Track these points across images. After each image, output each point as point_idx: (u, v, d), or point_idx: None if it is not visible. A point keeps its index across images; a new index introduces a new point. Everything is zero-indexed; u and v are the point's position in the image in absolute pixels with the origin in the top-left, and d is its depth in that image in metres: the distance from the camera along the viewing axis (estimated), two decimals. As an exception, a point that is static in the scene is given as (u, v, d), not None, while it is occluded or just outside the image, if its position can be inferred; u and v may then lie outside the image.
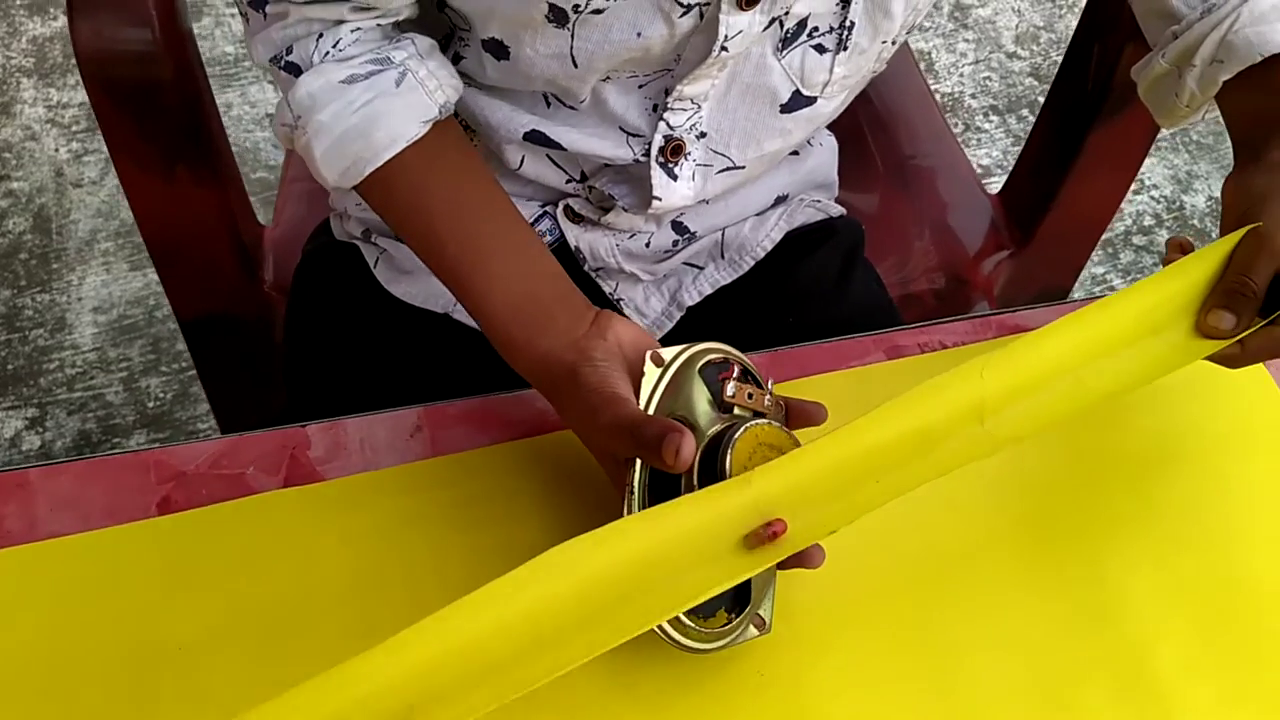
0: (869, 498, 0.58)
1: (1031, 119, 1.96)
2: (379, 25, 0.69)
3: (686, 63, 0.69)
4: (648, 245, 0.82)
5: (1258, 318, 0.64)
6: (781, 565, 0.60)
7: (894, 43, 0.73)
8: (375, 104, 0.67)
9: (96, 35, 0.78)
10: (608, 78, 0.71)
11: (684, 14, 0.64)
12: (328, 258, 0.87)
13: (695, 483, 0.59)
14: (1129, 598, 0.67)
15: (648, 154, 0.74)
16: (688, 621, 0.58)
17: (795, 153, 0.86)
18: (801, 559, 0.59)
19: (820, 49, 0.71)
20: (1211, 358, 0.65)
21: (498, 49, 0.70)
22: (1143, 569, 0.68)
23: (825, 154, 0.90)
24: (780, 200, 0.87)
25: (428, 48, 0.70)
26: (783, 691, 0.62)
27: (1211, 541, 0.70)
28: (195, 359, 1.03)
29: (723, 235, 0.85)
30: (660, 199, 0.75)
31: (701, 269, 0.85)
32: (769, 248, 0.84)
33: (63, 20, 2.02)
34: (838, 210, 0.89)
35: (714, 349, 0.64)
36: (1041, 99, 1.99)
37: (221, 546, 0.66)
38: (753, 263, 0.84)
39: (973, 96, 2.00)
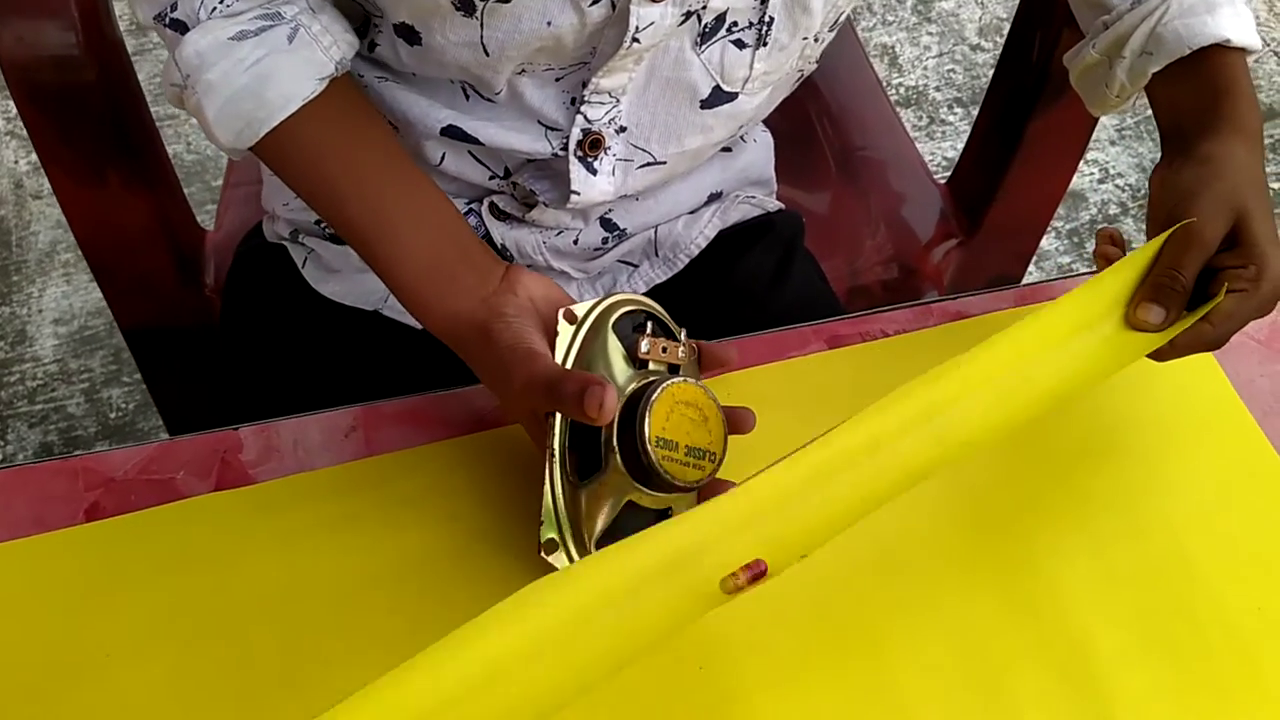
0: (828, 518, 0.57)
1: (995, 110, 1.96)
2: None
3: (602, 55, 0.68)
4: (575, 242, 0.82)
5: (1185, 312, 0.65)
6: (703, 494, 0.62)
7: (817, 39, 0.73)
8: (266, 61, 0.65)
9: (19, 40, 0.78)
10: (523, 70, 0.70)
11: (594, 3, 0.64)
12: (259, 259, 0.87)
13: (615, 443, 0.61)
14: (1065, 588, 0.67)
15: (565, 148, 0.73)
16: None
17: (728, 149, 0.85)
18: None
19: (740, 44, 0.70)
20: (1148, 356, 0.66)
21: (409, 34, 0.69)
22: (1079, 559, 0.68)
23: (760, 150, 0.89)
24: (714, 198, 0.86)
25: (319, 2, 0.68)
26: (722, 685, 0.62)
27: (1150, 531, 0.69)
28: (141, 368, 1.02)
29: (655, 233, 0.84)
30: (579, 193, 0.75)
31: (636, 267, 0.84)
32: (703, 245, 0.84)
33: (21, 32, 2.01)
34: (775, 205, 0.88)
35: (627, 300, 0.64)
36: (1005, 90, 1.99)
37: (150, 552, 0.65)
38: (687, 260, 0.84)
39: (937, 89, 2.00)
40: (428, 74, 0.72)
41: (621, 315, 0.64)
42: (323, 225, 0.82)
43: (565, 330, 0.62)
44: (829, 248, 0.97)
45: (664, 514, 0.63)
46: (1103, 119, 1.73)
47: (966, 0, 2.13)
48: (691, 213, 0.85)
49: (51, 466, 0.69)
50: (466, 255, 0.67)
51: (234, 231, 0.98)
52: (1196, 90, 0.68)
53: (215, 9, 0.65)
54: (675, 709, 0.61)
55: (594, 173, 0.74)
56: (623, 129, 0.73)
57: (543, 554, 0.60)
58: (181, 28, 0.66)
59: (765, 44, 0.70)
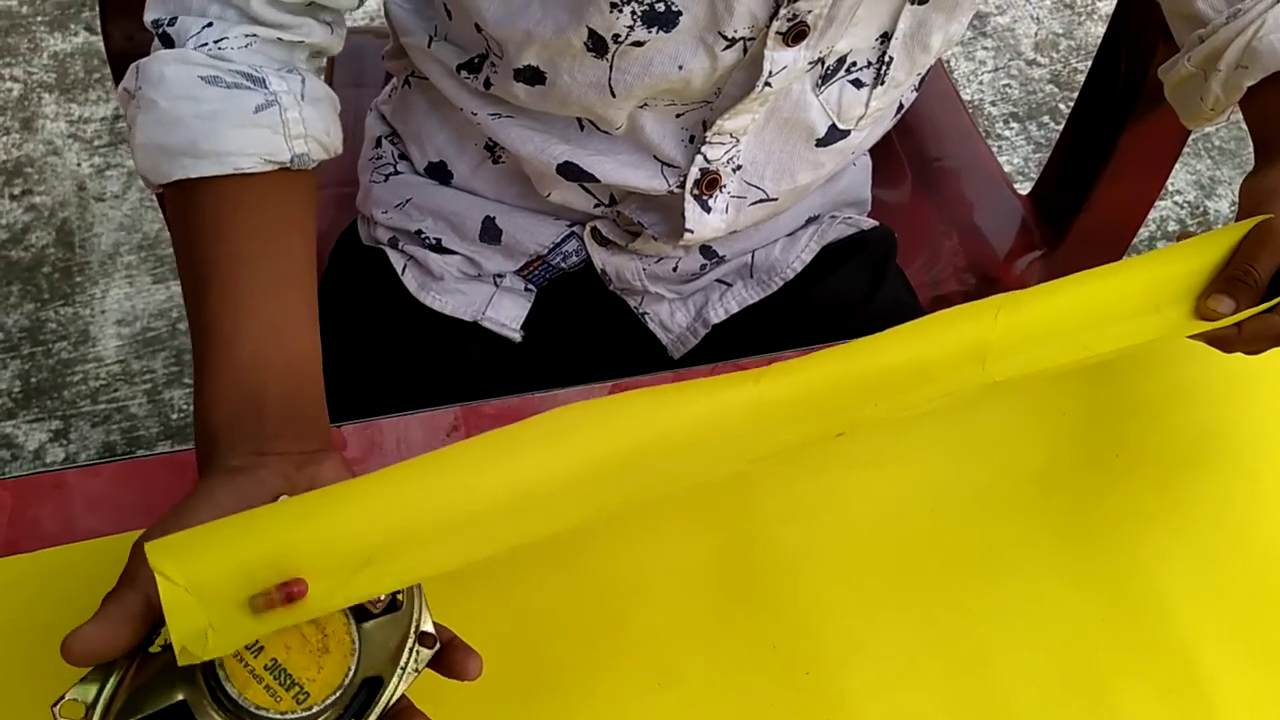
0: (865, 417, 0.58)
1: (1053, 125, 1.96)
2: (281, 41, 0.62)
3: (727, 96, 0.69)
4: (675, 269, 0.82)
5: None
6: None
7: (921, 75, 0.74)
8: (217, 119, 0.59)
9: (128, 39, 0.78)
10: (645, 104, 0.70)
11: (727, 47, 0.64)
12: (355, 262, 0.87)
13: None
14: (1169, 597, 0.66)
15: (683, 185, 0.73)
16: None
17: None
18: (454, 669, 0.52)
19: (858, 84, 0.71)
20: (1209, 340, 0.65)
21: (533, 76, 0.68)
22: (1181, 569, 0.67)
23: (859, 173, 0.89)
24: (811, 220, 0.86)
25: (317, 93, 0.63)
26: (828, 690, 0.62)
27: (1253, 542, 0.69)
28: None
29: (752, 257, 0.84)
30: (692, 231, 0.75)
31: (730, 286, 0.85)
32: (799, 269, 0.84)
33: (84, 36, 2.04)
34: (870, 223, 0.88)
35: None
36: (1063, 106, 1.98)
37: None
38: (782, 283, 0.84)
39: (993, 104, 2.00)
40: (548, 110, 0.72)
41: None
42: (422, 235, 0.82)
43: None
44: (906, 257, 0.97)
45: None
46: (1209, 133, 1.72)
47: (1022, 15, 2.13)
48: (789, 235, 0.85)
49: (158, 460, 0.69)
50: (293, 402, 0.57)
51: (319, 234, 0.99)
52: None
53: (206, 44, 0.61)
54: (783, 710, 0.61)
55: (708, 210, 0.75)
56: (739, 167, 0.74)
57: (54, 710, 0.47)
58: (169, 43, 0.62)
59: (882, 83, 0.70)
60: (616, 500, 0.53)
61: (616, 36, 0.63)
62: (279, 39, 0.62)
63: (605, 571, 0.65)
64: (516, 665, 0.61)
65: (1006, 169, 1.92)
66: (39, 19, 2.07)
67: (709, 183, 0.73)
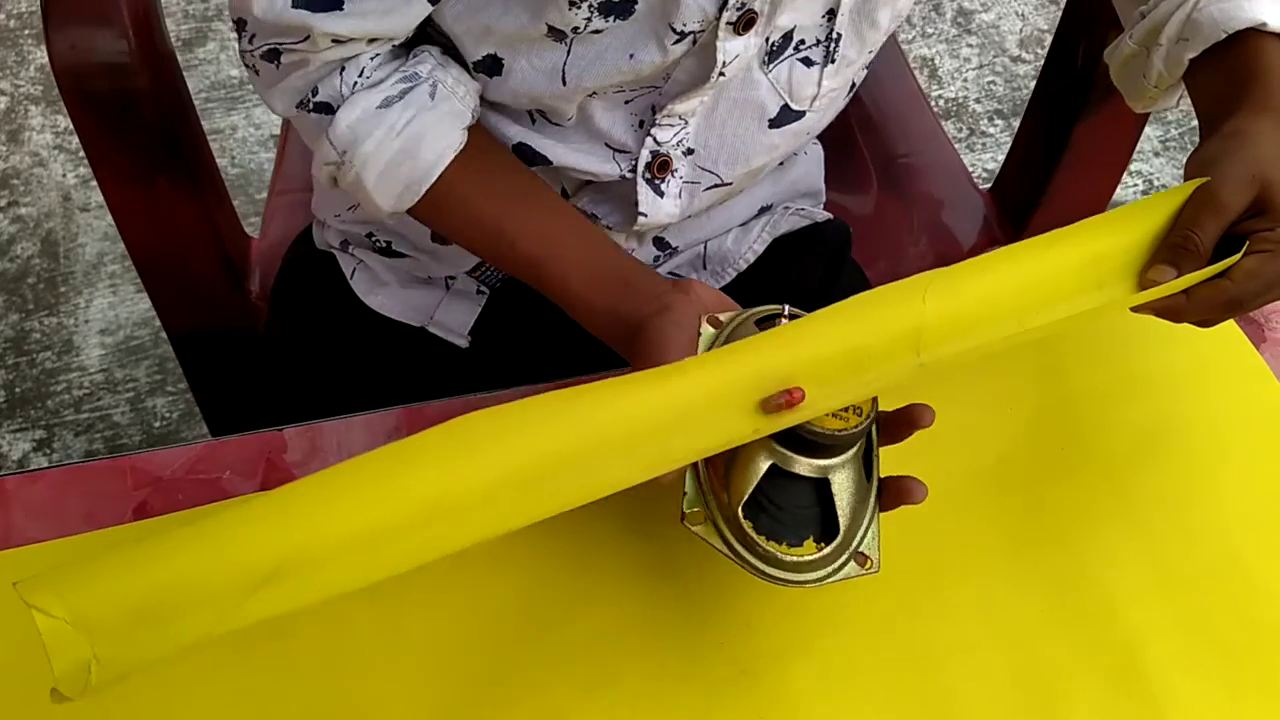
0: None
1: (1037, 122, 1.95)
2: (393, 45, 0.68)
3: (676, 83, 0.69)
4: None
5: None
6: (884, 507, 0.59)
7: (873, 52, 0.73)
8: (415, 122, 0.66)
9: (72, 48, 0.79)
10: (594, 94, 0.70)
11: (677, 41, 0.64)
12: (307, 266, 0.87)
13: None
14: (1117, 594, 0.66)
15: (634, 170, 0.73)
16: (773, 549, 0.57)
17: (779, 163, 0.85)
18: (901, 494, 0.59)
19: (807, 62, 0.70)
20: (1158, 311, 0.63)
21: (493, 66, 0.69)
22: (1130, 564, 0.67)
23: (810, 163, 0.89)
24: (764, 210, 0.86)
25: (442, 55, 0.69)
26: (767, 689, 0.61)
27: (1202, 535, 0.68)
28: (187, 372, 1.03)
29: (705, 248, 0.84)
30: (646, 215, 0.75)
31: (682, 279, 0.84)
32: (751, 260, 0.84)
33: (70, 48, 2.04)
34: (823, 215, 0.88)
35: (773, 308, 0.62)
36: (1046, 102, 1.98)
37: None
38: (735, 274, 0.84)
39: (977, 101, 2.00)
40: (500, 100, 0.72)
41: (765, 318, 0.61)
42: (373, 238, 0.82)
43: (708, 333, 0.61)
44: (871, 255, 0.97)
45: (822, 483, 0.58)
46: (1147, 130, 1.71)
47: (1007, 12, 2.12)
48: (741, 225, 0.85)
49: (102, 465, 0.69)
50: (637, 266, 0.68)
51: (280, 239, 0.99)
52: (1230, 74, 0.67)
53: (356, 84, 0.66)
54: (725, 710, 0.61)
55: (661, 195, 0.75)
56: (690, 151, 0.74)
57: (686, 524, 0.58)
58: (327, 109, 0.67)
59: (833, 61, 0.70)
60: (537, 508, 0.53)
61: (575, 29, 0.64)
62: (391, 45, 0.68)
63: (545, 572, 0.65)
64: (456, 666, 0.61)
65: (991, 166, 1.91)
66: (26, 32, 2.08)
67: (660, 165, 0.73)
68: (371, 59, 0.66)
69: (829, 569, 0.58)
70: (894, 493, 0.59)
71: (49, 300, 1.72)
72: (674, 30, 0.64)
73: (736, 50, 0.66)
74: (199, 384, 1.04)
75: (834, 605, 0.64)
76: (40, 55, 2.04)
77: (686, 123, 0.72)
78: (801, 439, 0.56)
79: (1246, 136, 0.62)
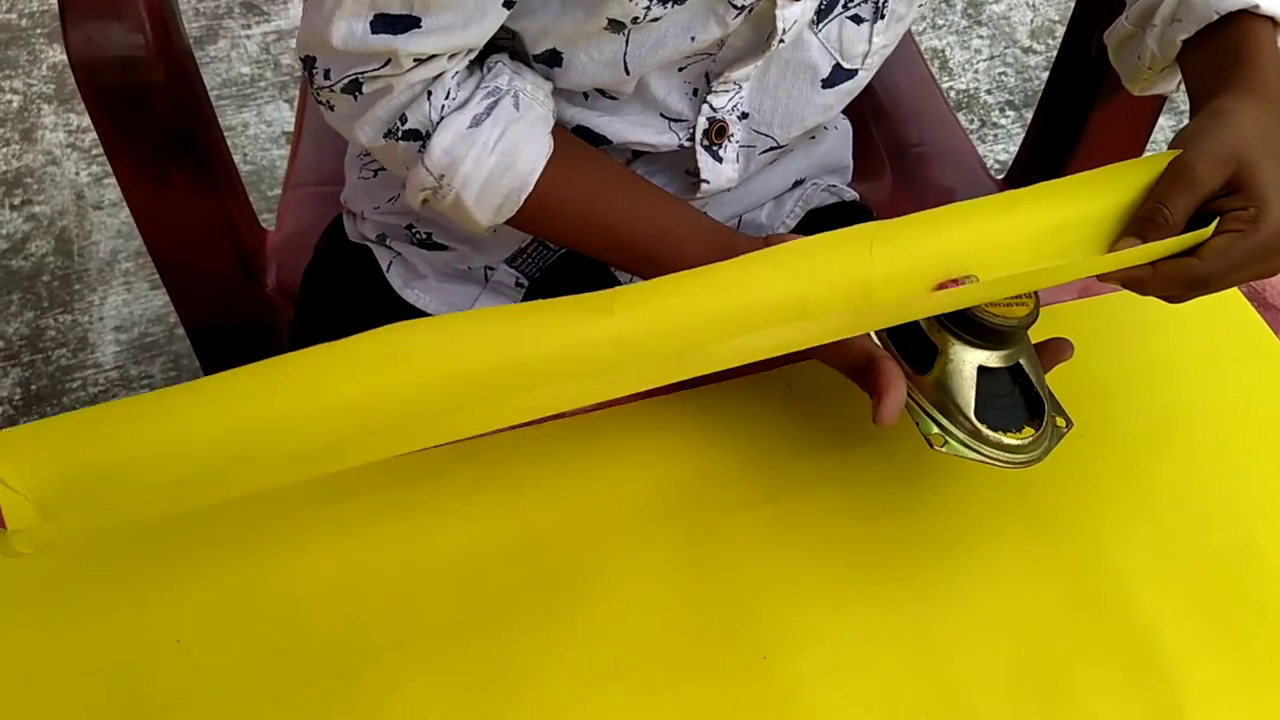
0: (734, 351, 0.57)
1: (1048, 113, 1.95)
2: (469, 61, 0.68)
3: (731, 49, 0.69)
4: None
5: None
6: (1045, 367, 0.65)
7: (922, 4, 0.74)
8: (508, 135, 0.67)
9: (88, 41, 0.79)
10: None
11: (737, 15, 0.65)
12: (339, 257, 0.87)
13: (937, 321, 0.62)
14: (1130, 579, 0.65)
15: (692, 139, 0.74)
16: (1009, 440, 0.62)
17: (811, 136, 0.86)
18: (1056, 354, 0.65)
19: (857, 19, 0.70)
20: (1123, 281, 0.62)
21: (552, 59, 0.70)
22: (1143, 550, 0.67)
23: (839, 137, 0.89)
24: (797, 185, 0.86)
25: (513, 62, 0.70)
26: (785, 675, 0.61)
27: (1214, 521, 0.68)
28: (203, 366, 1.04)
29: (739, 221, 0.84)
30: (708, 181, 0.76)
31: None
32: (784, 233, 0.84)
33: (82, 46, 2.05)
34: (851, 195, 0.88)
35: None
36: (1058, 92, 1.97)
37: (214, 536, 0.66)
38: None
39: (988, 92, 1.99)
40: (560, 87, 0.72)
41: None
42: (413, 230, 0.82)
43: None
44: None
45: (1016, 369, 0.64)
46: (1161, 120, 1.71)
47: (1018, 3, 2.12)
48: (775, 200, 0.85)
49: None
50: (733, 230, 0.70)
51: (295, 232, 1.00)
52: (1220, 55, 0.66)
53: (444, 106, 0.67)
54: (739, 697, 0.61)
55: (720, 160, 0.75)
56: (745, 115, 0.74)
57: (934, 448, 0.62)
58: (417, 136, 0.67)
59: (883, 16, 0.70)
60: (463, 425, 0.53)
61: (635, 19, 0.65)
62: (467, 60, 0.68)
63: (558, 561, 0.65)
64: (468, 656, 0.61)
65: (1002, 157, 1.91)
66: (38, 31, 2.09)
67: (717, 131, 0.74)
68: (453, 78, 0.66)
69: (1046, 441, 0.64)
70: (1048, 355, 0.65)
71: (63, 298, 1.73)
72: (734, 6, 0.65)
73: (794, 16, 0.66)
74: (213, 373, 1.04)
75: (847, 594, 0.64)
76: (52, 54, 2.05)
77: (740, 88, 0.72)
78: (997, 333, 0.62)
79: (1228, 115, 0.61)
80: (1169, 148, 0.64)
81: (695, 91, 0.73)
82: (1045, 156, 1.02)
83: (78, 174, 1.88)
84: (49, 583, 0.64)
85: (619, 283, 0.84)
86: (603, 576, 0.64)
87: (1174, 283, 0.61)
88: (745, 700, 0.61)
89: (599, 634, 0.62)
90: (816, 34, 0.70)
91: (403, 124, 0.67)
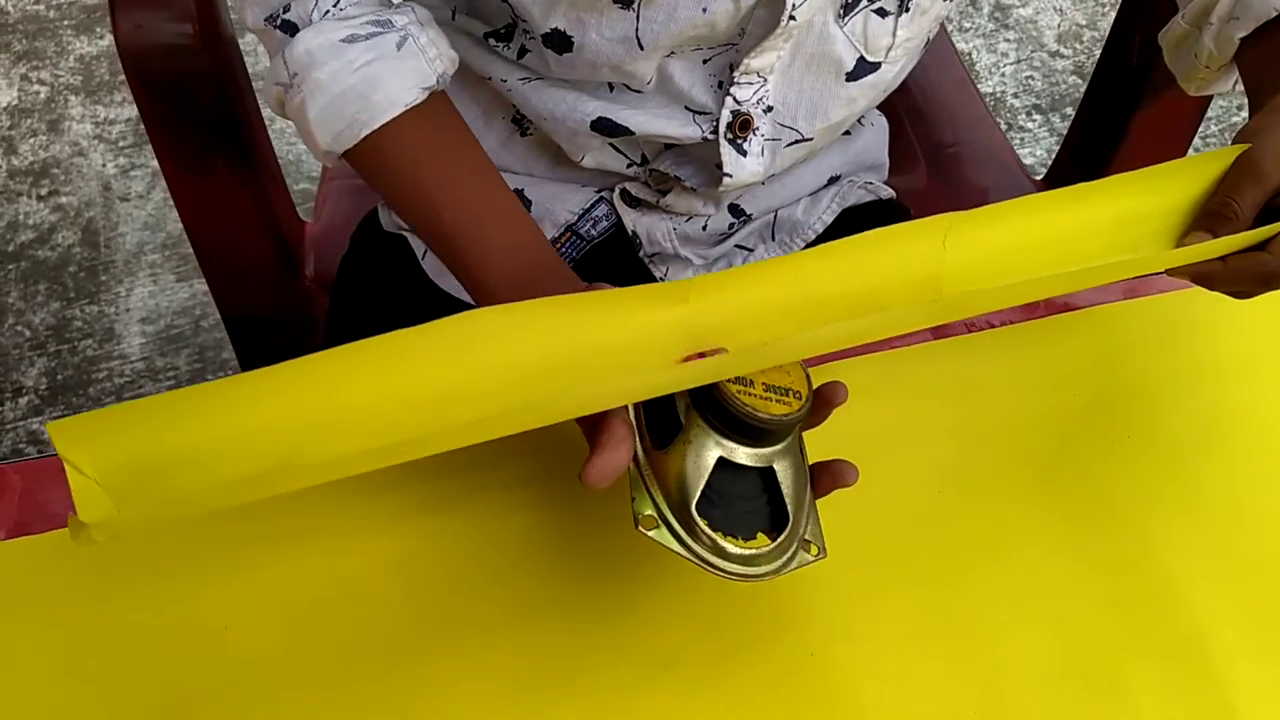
0: (809, 343, 0.56)
1: (1075, 117, 1.94)
2: None
3: (751, 36, 0.69)
4: (704, 228, 0.82)
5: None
6: (816, 490, 0.58)
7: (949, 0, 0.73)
8: (375, 66, 0.66)
9: (137, 28, 0.79)
10: (671, 53, 0.70)
11: None
12: (375, 247, 0.87)
13: (688, 395, 0.56)
14: (1178, 578, 0.65)
15: (715, 132, 0.73)
16: (730, 545, 0.55)
17: (846, 132, 0.85)
18: (835, 478, 0.57)
19: (881, 12, 0.70)
20: (1192, 276, 0.61)
21: (560, 42, 0.69)
22: (1192, 549, 0.66)
23: (876, 134, 0.89)
24: (833, 181, 0.86)
25: (426, 16, 0.69)
26: (832, 672, 0.61)
27: (1264, 521, 0.68)
28: (239, 356, 1.04)
29: (775, 216, 0.84)
30: (731, 175, 0.75)
31: (752, 251, 0.84)
32: (820, 230, 0.83)
33: (109, 39, 2.06)
34: (888, 192, 0.88)
35: None
36: (1085, 96, 1.97)
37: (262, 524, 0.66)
38: (803, 245, 0.83)
39: (1015, 96, 1.99)
40: (578, 77, 0.72)
41: None
42: None
43: None
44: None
45: (768, 473, 0.57)
46: (1207, 124, 1.70)
47: (1045, 7, 2.11)
48: (811, 195, 0.85)
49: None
50: (554, 270, 0.66)
51: (333, 224, 1.00)
52: (1279, 53, 0.66)
53: (329, 12, 0.66)
54: (786, 694, 0.61)
55: (744, 154, 0.75)
56: (770, 108, 0.74)
57: (640, 529, 0.56)
58: (292, 29, 0.67)
59: (907, 9, 0.70)
60: (531, 415, 0.52)
61: None
62: None
63: (608, 557, 0.65)
64: (518, 649, 0.61)
65: (1029, 161, 1.90)
66: (65, 23, 2.09)
67: (741, 125, 0.73)
68: None
69: (782, 560, 0.57)
70: (827, 477, 0.58)
71: (90, 289, 1.73)
72: None
73: None
74: (251, 367, 1.04)
75: (894, 589, 0.64)
76: (80, 46, 2.05)
77: (765, 80, 0.72)
78: (746, 426, 0.55)
79: None
80: (1233, 143, 0.63)
81: (720, 84, 0.72)
82: (1088, 156, 1.01)
83: (104, 165, 1.88)
84: (102, 564, 0.64)
85: (652, 275, 0.84)
86: (647, 573, 0.64)
87: (1245, 277, 0.60)
88: (792, 696, 0.60)
89: (646, 629, 0.62)
90: (842, 27, 0.70)
91: (284, 12, 0.67)
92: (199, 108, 0.83)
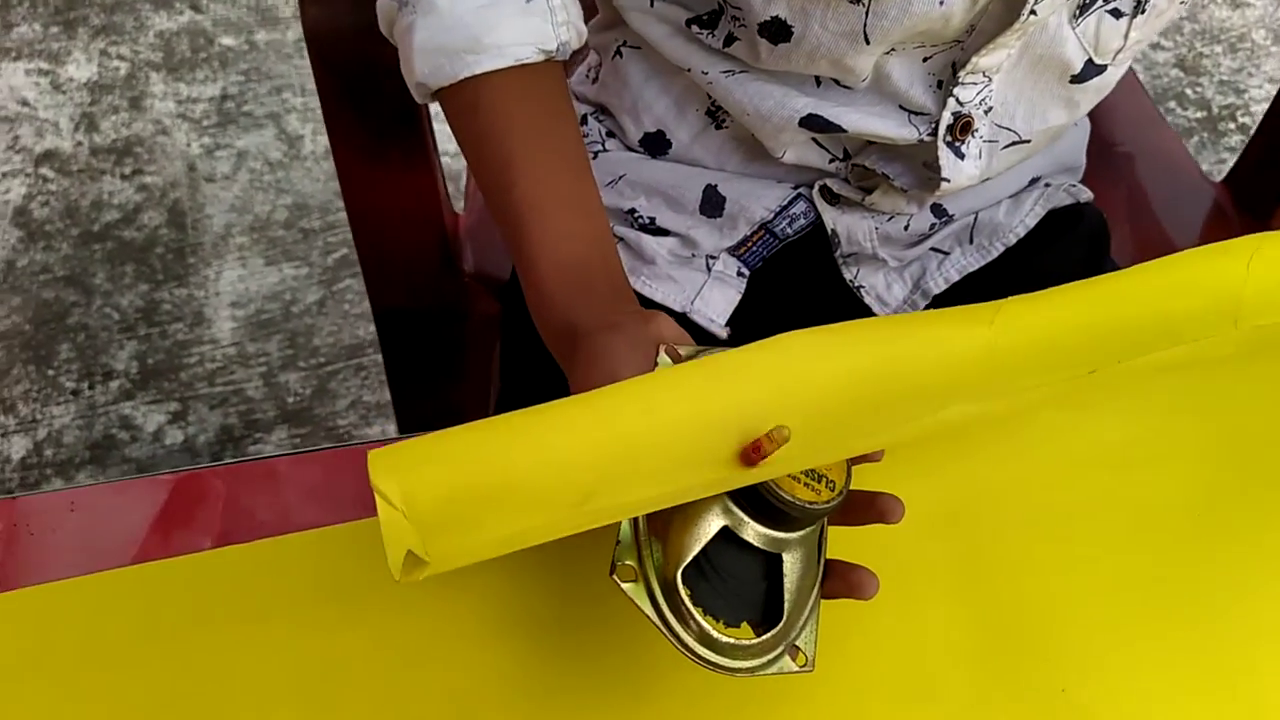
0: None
1: (1179, 110, 1.90)
2: None
3: (982, 33, 0.65)
4: (906, 228, 0.78)
5: None
6: (828, 594, 0.53)
7: (1184, 1, 0.70)
8: (496, 9, 0.62)
9: (323, 13, 0.76)
10: (892, 50, 0.67)
11: None
12: None
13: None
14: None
15: (933, 134, 0.70)
16: (708, 626, 0.49)
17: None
18: (852, 587, 0.52)
19: (1116, 13, 0.67)
20: None
21: (779, 31, 0.65)
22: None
23: (1077, 134, 0.86)
24: (1034, 182, 0.82)
25: None
26: (1081, 709, 0.58)
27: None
28: (384, 351, 1.01)
29: (975, 218, 0.80)
30: (949, 180, 0.71)
31: (947, 254, 0.80)
32: (1022, 234, 0.80)
33: (189, 14, 2.02)
34: (1087, 195, 0.84)
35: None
36: (1189, 90, 1.92)
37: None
38: (1003, 249, 0.80)
39: (1115, 89, 1.95)
40: (790, 69, 0.68)
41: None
42: (635, 214, 0.79)
43: (664, 362, 0.52)
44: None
45: (774, 562, 0.51)
46: None
47: (1144, -2, 2.07)
48: (1012, 197, 0.81)
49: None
50: (611, 273, 0.62)
51: (486, 217, 0.97)
52: None
53: None
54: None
55: (961, 157, 0.71)
56: (990, 109, 0.70)
57: (614, 577, 0.49)
58: None
59: (1143, 11, 0.67)
60: (830, 445, 0.50)
61: None
62: None
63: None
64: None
65: (1132, 156, 1.86)
66: (144, -3, 2.06)
67: (962, 127, 0.70)
68: None
69: (762, 659, 0.50)
70: (843, 583, 0.53)
71: (178, 271, 1.70)
72: None
73: None
74: (395, 361, 1.01)
75: (1144, 620, 0.61)
76: (159, 21, 2.02)
77: (990, 80, 0.69)
78: (763, 502, 0.49)
79: None
80: None
81: (940, 84, 0.69)
82: (1269, 165, 0.98)
83: (189, 145, 1.85)
84: (318, 579, 0.61)
85: (843, 277, 0.81)
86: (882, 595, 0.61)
87: None
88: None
89: (896, 656, 0.59)
90: (1075, 29, 0.67)
91: None
92: (380, 96, 0.80)
